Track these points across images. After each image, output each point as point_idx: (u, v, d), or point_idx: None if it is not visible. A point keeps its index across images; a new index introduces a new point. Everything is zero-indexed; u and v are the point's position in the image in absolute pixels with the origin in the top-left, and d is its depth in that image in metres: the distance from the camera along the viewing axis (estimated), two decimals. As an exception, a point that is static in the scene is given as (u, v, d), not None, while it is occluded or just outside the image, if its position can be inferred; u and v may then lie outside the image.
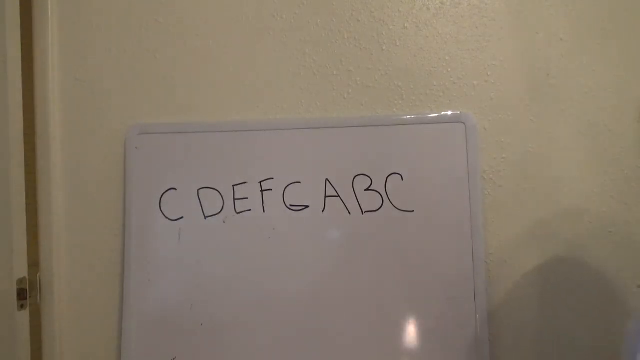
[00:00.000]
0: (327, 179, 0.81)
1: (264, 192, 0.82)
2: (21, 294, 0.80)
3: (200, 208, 0.82)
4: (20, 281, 0.80)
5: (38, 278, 0.83)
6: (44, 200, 0.84)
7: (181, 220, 0.82)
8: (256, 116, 0.84)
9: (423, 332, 0.78)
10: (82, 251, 0.86)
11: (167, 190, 0.83)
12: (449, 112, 0.80)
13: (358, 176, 0.80)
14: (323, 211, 0.80)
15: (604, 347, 0.79)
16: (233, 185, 0.82)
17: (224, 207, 0.82)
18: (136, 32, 0.86)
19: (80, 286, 0.85)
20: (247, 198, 0.82)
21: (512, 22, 0.81)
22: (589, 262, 0.79)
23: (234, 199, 0.82)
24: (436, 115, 0.81)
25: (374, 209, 0.80)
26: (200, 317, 0.81)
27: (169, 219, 0.82)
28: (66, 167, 0.86)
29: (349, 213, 0.80)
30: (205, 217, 0.82)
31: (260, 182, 0.82)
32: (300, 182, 0.81)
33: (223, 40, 0.85)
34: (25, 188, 0.82)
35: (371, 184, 0.80)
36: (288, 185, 0.81)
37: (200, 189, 0.82)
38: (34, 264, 0.83)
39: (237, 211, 0.82)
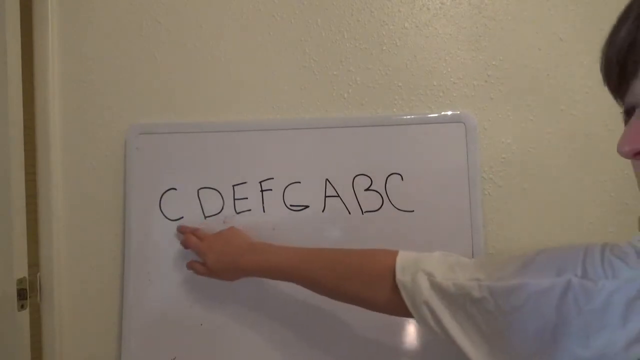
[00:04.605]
0: (327, 179, 0.81)
1: (264, 192, 0.81)
2: (21, 294, 0.80)
3: (200, 208, 0.82)
4: (20, 281, 0.80)
5: (38, 278, 0.83)
6: (44, 200, 0.84)
7: (181, 220, 0.82)
8: (256, 116, 0.84)
9: (423, 332, 0.78)
10: (82, 251, 0.86)
11: (167, 190, 0.83)
12: (449, 112, 0.80)
13: (358, 176, 0.80)
14: (323, 211, 0.80)
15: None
16: (233, 185, 0.82)
17: (224, 207, 0.82)
18: (136, 32, 0.86)
19: (80, 286, 0.86)
20: (247, 198, 0.82)
21: (512, 22, 0.81)
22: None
23: (234, 199, 0.82)
24: (436, 115, 0.81)
25: (374, 209, 0.80)
26: (200, 317, 0.81)
27: (169, 219, 0.82)
28: (66, 167, 0.86)
29: (349, 213, 0.80)
30: (205, 217, 0.82)
31: (260, 182, 0.82)
32: (300, 182, 0.81)
33: (223, 40, 0.85)
34: (25, 188, 0.82)
35: (371, 184, 0.80)
36: (288, 185, 0.81)
37: (200, 189, 0.82)
38: (34, 264, 0.83)
39: (237, 211, 0.82)
